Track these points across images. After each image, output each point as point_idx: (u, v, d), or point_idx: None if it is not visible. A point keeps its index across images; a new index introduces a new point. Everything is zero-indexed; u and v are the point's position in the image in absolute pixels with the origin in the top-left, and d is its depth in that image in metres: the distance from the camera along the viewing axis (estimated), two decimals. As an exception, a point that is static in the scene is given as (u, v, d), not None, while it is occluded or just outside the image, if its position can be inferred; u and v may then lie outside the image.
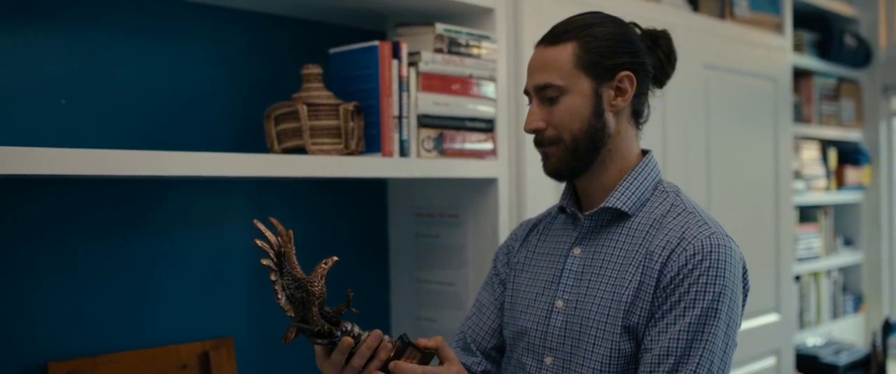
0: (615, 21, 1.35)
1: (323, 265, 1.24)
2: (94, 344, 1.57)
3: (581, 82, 1.30)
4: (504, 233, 1.83)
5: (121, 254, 1.62)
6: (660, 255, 1.26)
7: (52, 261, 1.53)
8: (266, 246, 1.20)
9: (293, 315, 1.24)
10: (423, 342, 1.30)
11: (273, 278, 1.21)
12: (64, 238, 1.54)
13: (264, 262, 1.20)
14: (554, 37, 1.33)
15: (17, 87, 1.48)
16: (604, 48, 1.30)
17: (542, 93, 1.32)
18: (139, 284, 1.64)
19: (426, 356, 1.30)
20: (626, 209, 1.32)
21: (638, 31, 1.38)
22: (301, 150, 1.60)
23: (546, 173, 1.36)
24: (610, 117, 1.32)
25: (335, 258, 1.25)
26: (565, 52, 1.30)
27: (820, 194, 3.30)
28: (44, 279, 1.52)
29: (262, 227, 1.21)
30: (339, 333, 1.25)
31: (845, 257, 3.52)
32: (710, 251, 1.24)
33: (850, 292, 3.63)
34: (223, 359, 1.71)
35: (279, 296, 1.22)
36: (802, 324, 3.23)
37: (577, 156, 1.32)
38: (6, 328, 1.48)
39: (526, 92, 1.37)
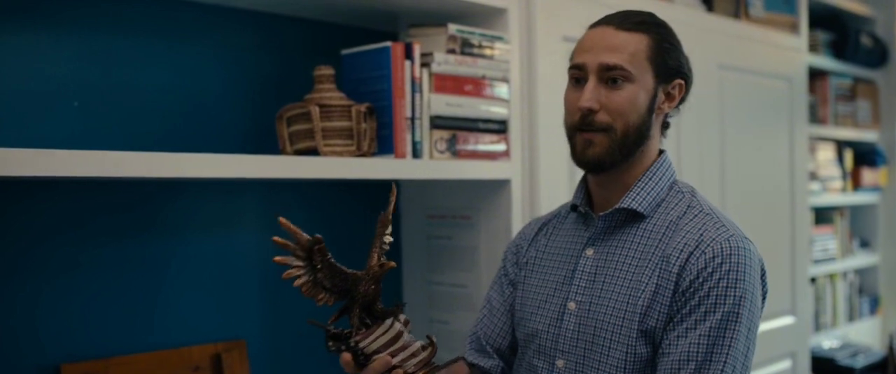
0: (672, 29, 1.35)
1: (377, 268, 1.22)
2: (106, 346, 1.57)
3: (647, 76, 1.28)
4: (517, 235, 1.82)
5: (133, 256, 1.62)
6: (678, 258, 1.25)
7: (64, 263, 1.53)
8: (286, 242, 1.18)
9: (330, 304, 1.22)
10: None
11: (295, 272, 1.18)
12: (76, 240, 1.54)
13: (277, 259, 1.18)
14: (628, 22, 1.29)
15: (29, 89, 1.49)
16: (671, 50, 1.30)
17: (608, 74, 1.27)
18: (151, 286, 1.64)
19: None
20: (642, 210, 1.31)
21: None
22: (313, 151, 1.59)
23: (583, 161, 1.30)
24: (654, 118, 1.31)
25: (393, 264, 1.23)
26: (640, 42, 1.28)
27: (836, 195, 3.27)
28: (56, 281, 1.52)
29: (290, 226, 1.18)
30: (343, 346, 1.23)
31: (862, 259, 3.49)
32: (730, 254, 1.23)
33: (867, 294, 3.59)
34: (235, 361, 1.71)
35: (306, 288, 1.20)
36: (818, 326, 3.20)
37: (623, 149, 1.28)
38: (19, 330, 1.48)
39: (579, 67, 1.30)
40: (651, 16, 1.33)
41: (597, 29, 1.32)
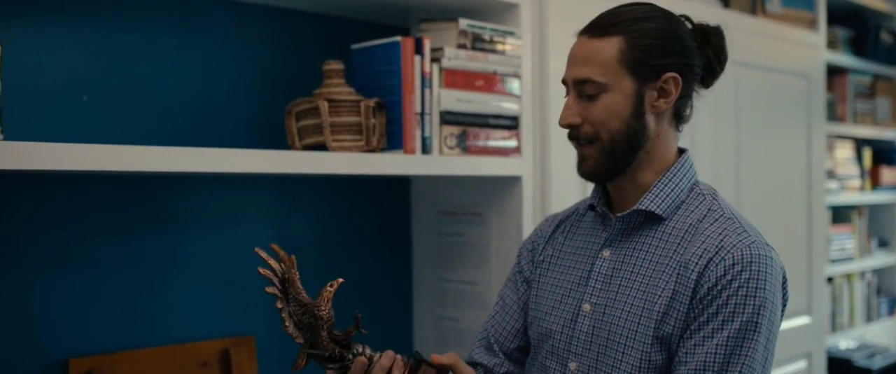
0: (665, 16, 1.28)
1: (328, 288, 1.22)
2: (114, 341, 1.57)
3: (623, 81, 1.23)
4: (528, 232, 1.79)
5: (142, 251, 1.61)
6: (696, 263, 1.21)
7: (72, 257, 1.53)
8: (270, 274, 1.19)
9: (302, 341, 1.22)
10: (437, 358, 1.26)
11: (279, 305, 1.20)
12: (85, 234, 1.54)
13: (269, 290, 1.19)
14: (599, 28, 1.26)
15: (39, 83, 1.49)
16: (651, 46, 1.23)
17: (581, 87, 1.25)
18: (160, 281, 1.64)
19: (440, 373, 1.27)
20: (660, 212, 1.27)
21: (689, 25, 1.31)
22: (322, 146, 1.58)
23: (581, 175, 1.30)
24: (650, 119, 1.26)
25: (340, 280, 1.22)
26: (610, 47, 1.23)
27: (854, 194, 3.23)
28: (64, 275, 1.52)
29: (264, 255, 1.19)
30: (350, 356, 1.22)
31: (880, 259, 3.44)
32: (751, 262, 1.19)
33: (885, 294, 3.55)
34: (244, 357, 1.70)
35: (286, 324, 1.21)
36: (835, 327, 3.17)
37: (613, 158, 1.25)
38: (27, 324, 1.48)
39: (564, 82, 1.30)
40: (629, 11, 1.27)
41: (576, 40, 1.29)
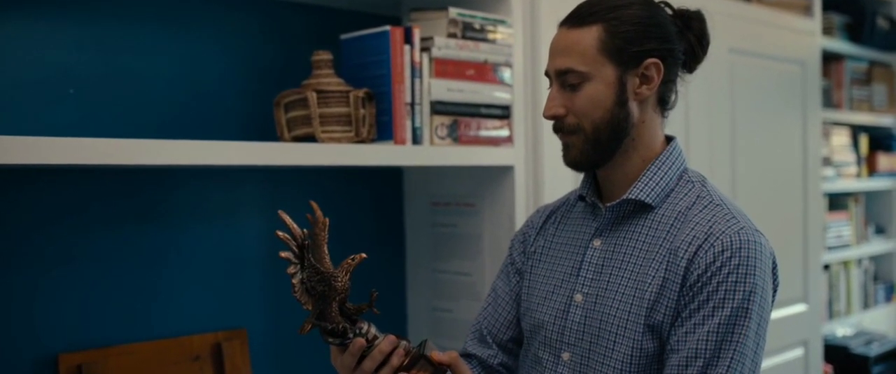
0: (644, 2, 1.27)
1: (350, 261, 1.21)
2: (105, 336, 1.56)
3: (605, 69, 1.23)
4: (521, 222, 1.79)
5: (132, 245, 1.60)
6: (685, 251, 1.21)
7: (62, 252, 1.52)
8: (287, 238, 1.17)
9: (311, 309, 1.21)
10: (437, 356, 1.26)
11: (291, 270, 1.18)
12: (75, 229, 1.53)
13: (283, 254, 1.17)
14: (578, 18, 1.26)
15: (24, 76, 1.47)
16: (631, 33, 1.24)
17: (563, 78, 1.26)
18: (151, 275, 1.63)
19: (438, 371, 1.26)
20: (650, 201, 1.27)
21: (669, 11, 1.31)
22: (311, 138, 1.57)
23: (566, 164, 1.31)
24: (634, 106, 1.26)
25: (363, 255, 1.21)
26: (589, 36, 1.24)
27: (850, 180, 3.23)
28: (54, 270, 1.51)
29: (287, 219, 1.17)
30: (351, 334, 1.21)
31: (877, 246, 3.44)
32: (740, 248, 1.19)
33: (882, 281, 3.55)
34: (236, 350, 1.70)
35: (296, 289, 1.19)
36: (832, 314, 3.17)
37: (598, 146, 1.26)
38: (17, 319, 1.47)
39: (547, 74, 1.30)
40: (608, 0, 1.27)
41: (557, 31, 1.29)
